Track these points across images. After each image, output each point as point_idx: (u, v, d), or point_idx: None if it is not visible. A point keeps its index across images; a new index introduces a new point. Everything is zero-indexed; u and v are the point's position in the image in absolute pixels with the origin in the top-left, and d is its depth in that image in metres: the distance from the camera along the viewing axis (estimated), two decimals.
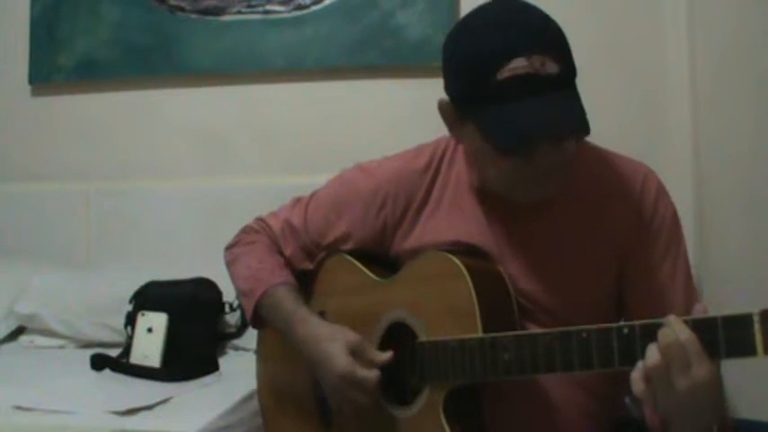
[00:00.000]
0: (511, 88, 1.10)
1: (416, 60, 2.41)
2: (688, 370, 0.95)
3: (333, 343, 1.28)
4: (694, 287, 1.28)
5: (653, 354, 0.97)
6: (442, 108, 1.22)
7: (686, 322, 0.96)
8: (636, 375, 0.98)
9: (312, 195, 1.47)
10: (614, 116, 2.28)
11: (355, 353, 1.26)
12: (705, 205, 2.01)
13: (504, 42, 1.11)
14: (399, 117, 2.43)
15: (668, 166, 1.86)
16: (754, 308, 0.92)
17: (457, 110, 1.20)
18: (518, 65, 1.09)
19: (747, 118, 1.66)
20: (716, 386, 0.98)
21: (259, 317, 1.42)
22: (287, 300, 1.38)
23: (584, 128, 1.12)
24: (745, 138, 1.68)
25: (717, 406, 1.01)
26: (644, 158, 1.31)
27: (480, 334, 1.16)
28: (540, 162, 1.13)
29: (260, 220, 1.52)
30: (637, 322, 1.01)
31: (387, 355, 1.27)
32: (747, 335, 0.91)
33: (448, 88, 1.20)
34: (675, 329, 0.96)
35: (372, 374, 1.24)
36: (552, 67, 1.10)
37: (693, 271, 1.28)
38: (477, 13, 1.18)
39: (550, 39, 1.12)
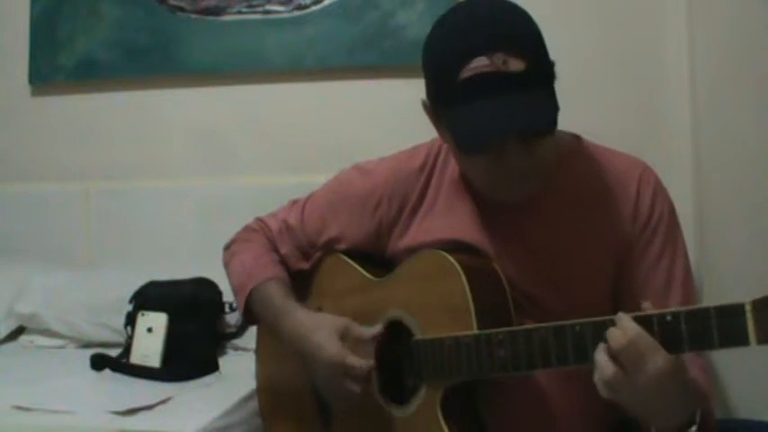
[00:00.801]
0: (473, 88, 1.10)
1: (416, 60, 2.37)
2: (643, 365, 0.97)
3: (320, 331, 1.29)
4: (693, 283, 1.28)
5: (605, 362, 0.99)
6: (425, 108, 1.24)
7: (635, 319, 0.99)
8: (597, 381, 1.01)
9: (309, 196, 1.49)
10: (614, 116, 2.28)
11: (344, 336, 1.26)
12: (705, 205, 2.01)
13: (466, 42, 1.11)
14: (399, 117, 2.42)
15: (668, 166, 1.86)
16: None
17: (433, 110, 1.21)
18: (479, 63, 1.09)
19: (747, 118, 1.66)
20: (677, 374, 1.00)
21: (251, 312, 1.43)
22: (276, 294, 1.39)
23: (546, 126, 1.12)
24: (745, 138, 1.68)
25: (684, 394, 1.03)
26: (644, 158, 1.31)
27: (475, 331, 1.16)
28: (510, 163, 1.13)
29: (259, 220, 1.54)
30: (629, 315, 1.01)
31: (376, 329, 1.28)
32: (740, 324, 0.92)
33: (425, 89, 1.21)
34: (625, 326, 0.99)
35: (362, 362, 1.24)
36: (517, 65, 1.09)
37: (693, 269, 1.28)
38: (447, 14, 1.19)
39: (515, 36, 1.11)
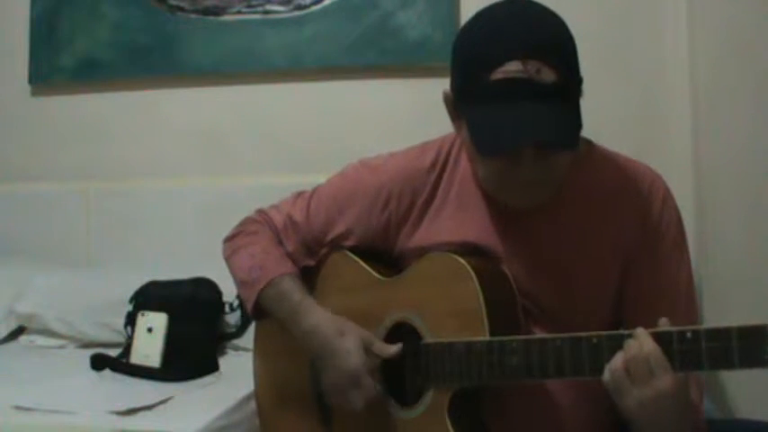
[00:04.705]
0: (502, 91, 1.09)
1: (416, 60, 2.42)
2: (651, 380, 1.01)
3: (347, 338, 1.28)
4: (695, 295, 1.29)
5: (616, 359, 1.03)
6: (446, 100, 1.22)
7: (655, 334, 1.02)
8: (607, 380, 1.05)
9: (315, 190, 1.46)
10: (614, 115, 2.28)
11: (367, 348, 1.26)
12: (705, 205, 2.01)
13: (503, 44, 1.10)
14: (399, 117, 2.43)
15: (668, 166, 1.85)
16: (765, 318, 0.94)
17: (455, 104, 1.20)
18: (512, 68, 1.08)
19: (747, 118, 1.66)
20: (679, 397, 1.03)
21: (260, 307, 1.40)
22: (294, 290, 1.37)
23: (568, 143, 1.11)
24: (745, 137, 1.68)
25: (681, 417, 1.06)
26: (644, 158, 1.31)
27: (488, 337, 1.16)
28: (524, 170, 1.13)
29: (261, 212, 1.50)
30: (648, 330, 1.03)
31: (395, 348, 1.27)
32: (761, 346, 0.93)
33: (450, 81, 1.20)
34: (642, 341, 1.02)
35: (375, 386, 1.25)
36: (549, 76, 1.08)
37: (693, 269, 1.29)
38: (487, 11, 1.17)
39: (552, 47, 1.10)
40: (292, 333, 1.36)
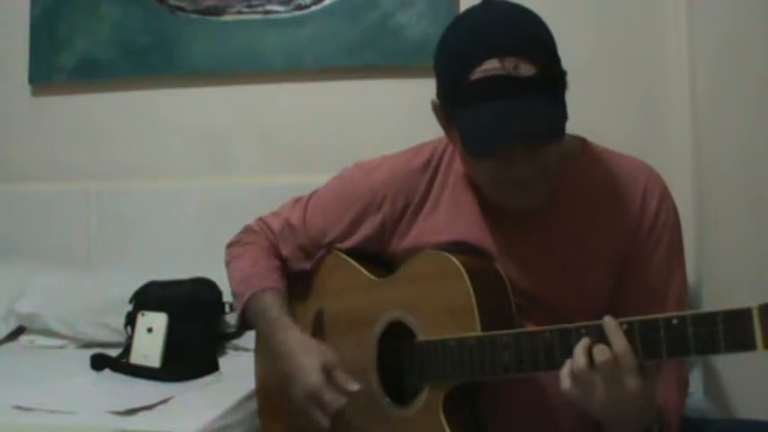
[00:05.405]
0: (483, 90, 1.10)
1: (416, 60, 2.41)
2: (618, 382, 1.01)
3: (308, 357, 1.29)
4: (688, 297, 1.29)
5: (580, 357, 1.03)
6: (435, 109, 1.23)
7: (642, 322, 1.01)
8: (564, 373, 1.04)
9: (312, 195, 1.48)
10: (614, 116, 2.29)
11: (327, 370, 1.27)
12: (705, 204, 2.01)
13: (478, 44, 1.11)
14: (399, 117, 2.43)
15: (668, 166, 1.86)
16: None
17: (444, 111, 1.21)
18: (490, 66, 1.09)
19: (747, 117, 1.66)
20: (644, 399, 1.03)
21: (246, 319, 1.44)
22: (271, 307, 1.39)
23: (551, 134, 1.11)
24: (745, 138, 1.68)
25: (644, 416, 1.07)
26: (644, 158, 1.31)
27: (479, 332, 1.16)
28: (516, 168, 1.13)
29: (260, 220, 1.53)
30: (635, 318, 1.02)
31: (356, 386, 1.26)
32: (747, 329, 0.92)
33: (436, 90, 1.21)
34: (612, 340, 1.01)
35: (336, 400, 1.24)
36: (527, 70, 1.09)
37: (693, 269, 1.28)
38: (462, 16, 1.19)
39: (528, 42, 1.11)
40: (270, 348, 1.39)
